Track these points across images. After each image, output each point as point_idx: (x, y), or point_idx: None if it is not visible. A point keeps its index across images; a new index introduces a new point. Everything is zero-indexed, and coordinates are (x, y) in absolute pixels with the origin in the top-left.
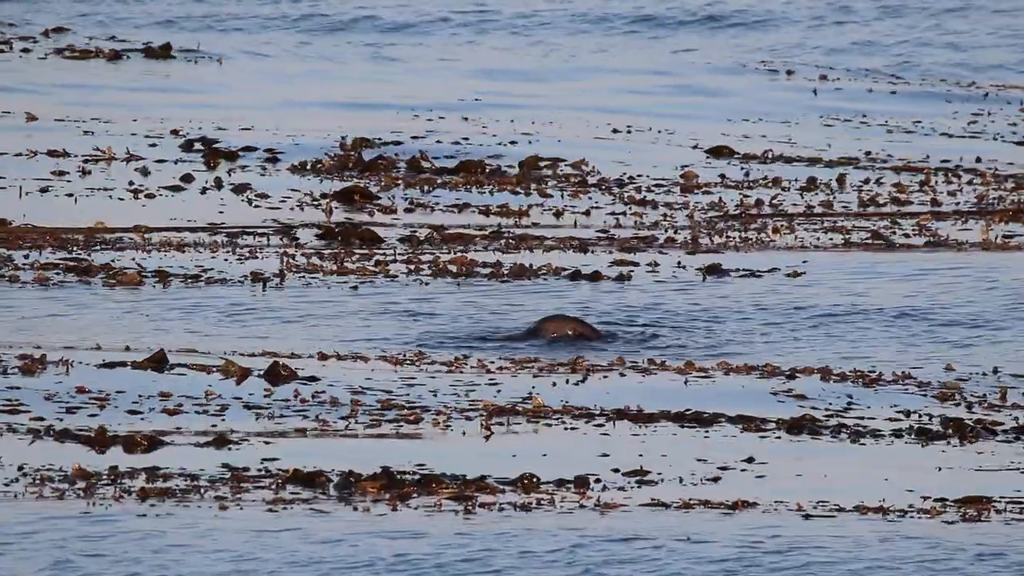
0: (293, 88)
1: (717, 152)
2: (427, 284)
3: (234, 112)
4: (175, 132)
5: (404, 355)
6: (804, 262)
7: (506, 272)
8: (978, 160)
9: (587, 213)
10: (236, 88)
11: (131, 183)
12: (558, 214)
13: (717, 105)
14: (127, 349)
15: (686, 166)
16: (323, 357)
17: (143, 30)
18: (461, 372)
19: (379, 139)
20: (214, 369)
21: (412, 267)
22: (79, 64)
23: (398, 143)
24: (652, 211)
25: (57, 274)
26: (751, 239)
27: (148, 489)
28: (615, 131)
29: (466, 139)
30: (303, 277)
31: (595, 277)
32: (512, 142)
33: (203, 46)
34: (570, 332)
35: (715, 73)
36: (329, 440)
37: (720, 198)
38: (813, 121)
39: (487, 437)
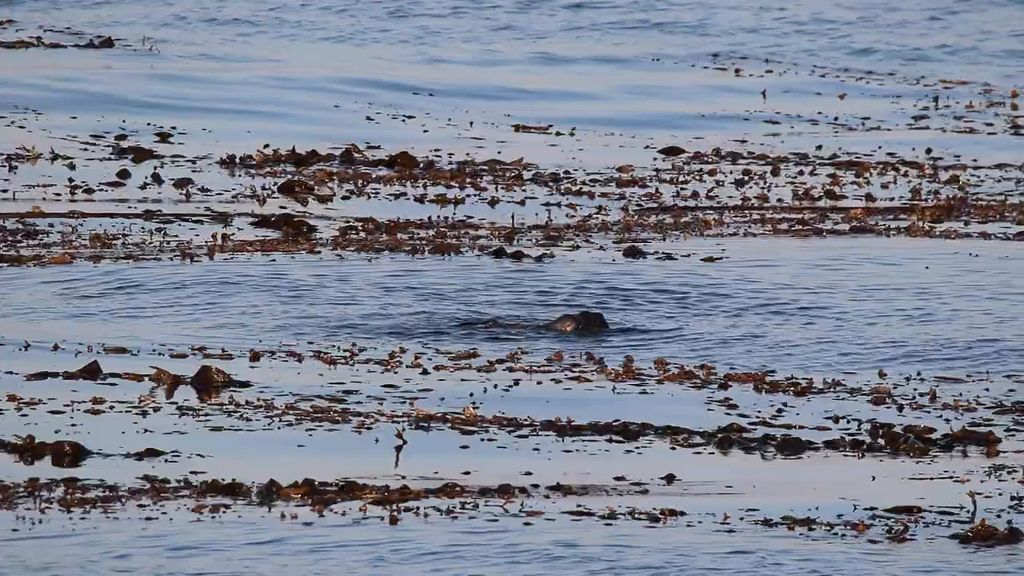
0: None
1: (670, 152)
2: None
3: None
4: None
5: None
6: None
7: (427, 248)
8: (928, 151)
9: (522, 203)
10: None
11: (71, 179)
12: (493, 203)
13: (668, 106)
14: (55, 348)
15: (626, 166)
16: (255, 357)
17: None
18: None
19: (312, 150)
20: (145, 378)
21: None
22: (15, 54)
23: (331, 156)
24: (589, 200)
25: None
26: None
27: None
28: (559, 133)
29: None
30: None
31: (517, 256)
32: (450, 154)
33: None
34: (568, 328)
35: (663, 70)
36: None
37: (657, 189)
38: (760, 121)
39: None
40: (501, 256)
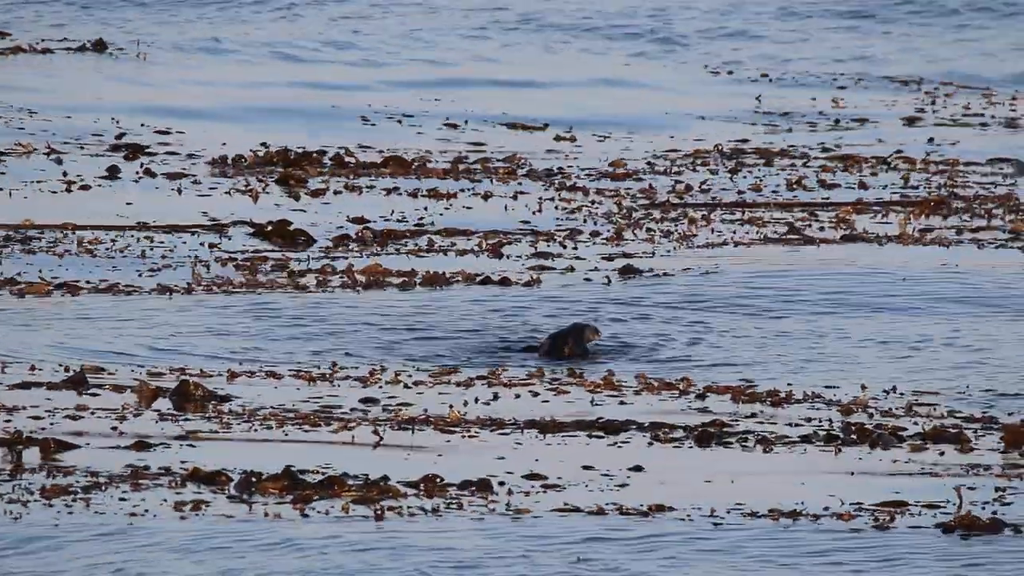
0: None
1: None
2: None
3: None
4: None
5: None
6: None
7: (418, 281)
8: (930, 140)
9: (514, 197)
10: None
11: (64, 174)
12: (486, 197)
13: (667, 107)
14: (32, 369)
15: (618, 159)
16: (232, 376)
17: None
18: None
19: (302, 147)
20: (128, 390)
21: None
22: (6, 60)
23: (323, 151)
24: (582, 197)
25: None
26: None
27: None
28: (559, 138)
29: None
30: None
31: (504, 283)
32: (442, 152)
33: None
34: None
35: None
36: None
37: (650, 184)
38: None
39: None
40: (487, 284)
